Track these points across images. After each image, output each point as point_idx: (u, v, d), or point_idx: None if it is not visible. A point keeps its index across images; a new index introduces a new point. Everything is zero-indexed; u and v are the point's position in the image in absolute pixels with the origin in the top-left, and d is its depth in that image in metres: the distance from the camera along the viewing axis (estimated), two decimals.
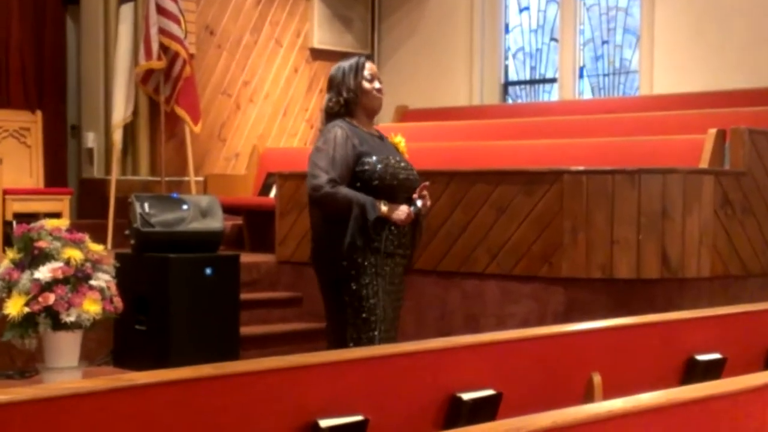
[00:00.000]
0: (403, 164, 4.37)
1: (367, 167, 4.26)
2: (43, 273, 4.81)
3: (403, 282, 4.41)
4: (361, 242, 4.18)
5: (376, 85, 4.39)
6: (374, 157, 4.27)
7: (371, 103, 4.38)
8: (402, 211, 4.25)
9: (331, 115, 4.39)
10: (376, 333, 4.22)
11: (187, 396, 2.47)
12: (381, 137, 4.45)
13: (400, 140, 4.54)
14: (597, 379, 3.35)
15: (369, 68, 4.40)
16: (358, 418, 2.75)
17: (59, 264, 4.86)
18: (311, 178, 4.27)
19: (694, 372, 3.74)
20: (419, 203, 4.31)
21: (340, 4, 10.02)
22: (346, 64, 4.43)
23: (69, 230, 5.08)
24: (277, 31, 9.65)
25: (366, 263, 4.22)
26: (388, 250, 4.26)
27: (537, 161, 6.68)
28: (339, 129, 4.31)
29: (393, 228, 4.25)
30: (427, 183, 4.35)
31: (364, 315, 4.23)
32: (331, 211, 4.25)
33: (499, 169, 6.28)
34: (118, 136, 8.17)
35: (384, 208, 4.22)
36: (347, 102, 4.35)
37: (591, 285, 5.84)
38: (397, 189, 4.29)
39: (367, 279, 4.23)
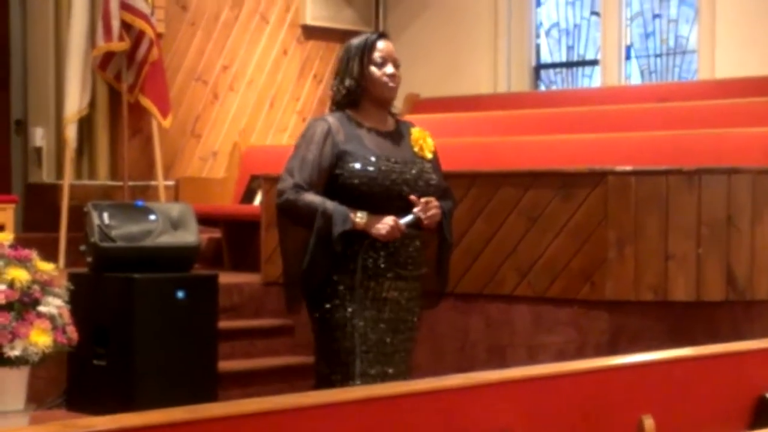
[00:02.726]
0: (407, 168, 4.29)
1: (345, 170, 4.24)
2: None
3: (410, 310, 4.36)
4: (324, 261, 4.18)
5: (388, 70, 4.32)
6: (358, 158, 4.23)
7: (380, 93, 4.34)
8: (384, 224, 4.18)
9: (335, 104, 4.40)
10: (351, 369, 4.20)
11: None
12: (394, 132, 4.41)
13: (419, 136, 4.42)
14: (649, 422, 3.35)
15: (380, 49, 4.34)
16: None
17: (1, 287, 4.87)
18: (279, 181, 4.32)
19: (767, 414, 3.73)
20: (418, 212, 4.20)
21: None
22: (355, 42, 4.40)
23: (13, 246, 5.08)
24: (262, 5, 9.67)
25: (340, 285, 4.22)
26: (369, 272, 4.24)
27: (575, 160, 6.69)
28: (322, 123, 4.32)
29: (377, 244, 4.23)
30: (431, 199, 4.27)
31: (334, 346, 4.24)
32: (296, 222, 4.29)
33: (530, 169, 6.28)
34: (71, 133, 8.18)
35: (359, 220, 4.18)
36: (349, 91, 4.35)
37: (641, 309, 5.83)
38: (382, 198, 4.21)
39: (339, 304, 4.23)
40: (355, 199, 4.21)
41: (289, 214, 4.30)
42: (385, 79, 4.33)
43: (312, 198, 4.21)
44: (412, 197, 4.23)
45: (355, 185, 4.22)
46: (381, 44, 4.36)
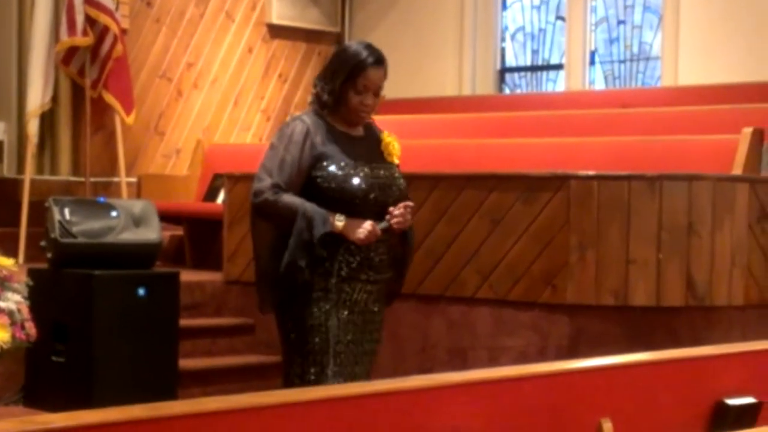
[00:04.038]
0: (380, 173, 4.31)
1: (323, 173, 4.24)
2: None
3: (377, 312, 4.40)
4: (304, 262, 4.18)
5: (365, 100, 4.27)
6: (335, 162, 4.24)
7: (348, 117, 4.33)
8: (363, 229, 4.20)
9: (318, 105, 4.36)
10: (325, 369, 4.22)
11: None
12: (365, 137, 4.40)
13: (389, 141, 4.44)
14: (608, 426, 3.36)
15: (367, 78, 4.25)
16: None
17: None
18: (255, 180, 4.30)
19: (725, 418, 3.76)
20: (394, 218, 4.23)
21: None
22: (350, 52, 4.30)
23: None
24: (227, 3, 9.64)
25: (314, 286, 4.23)
26: (343, 274, 4.25)
27: (538, 164, 6.70)
28: (300, 123, 4.30)
29: (353, 247, 4.24)
30: (410, 203, 4.30)
31: (308, 346, 4.25)
32: (273, 222, 4.29)
33: (493, 172, 6.29)
34: (33, 128, 8.13)
35: (339, 224, 4.20)
36: (325, 103, 4.33)
37: (602, 313, 5.85)
38: (360, 203, 4.24)
39: (313, 305, 4.24)
40: (331, 201, 4.22)
41: (267, 214, 4.28)
42: (359, 107, 4.30)
43: (292, 199, 4.21)
44: (390, 209, 4.25)
45: (333, 189, 4.23)
46: (370, 72, 4.26)
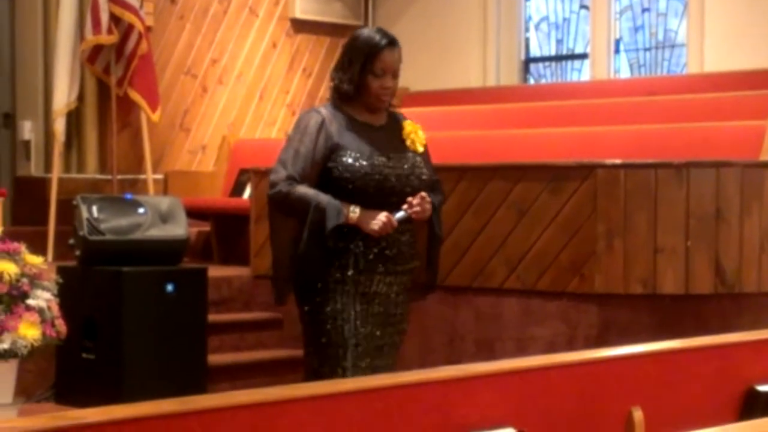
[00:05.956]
0: (399, 162, 4.27)
1: (338, 164, 4.22)
2: None
3: (401, 304, 4.38)
4: (317, 254, 4.17)
5: (385, 82, 4.27)
6: (351, 152, 4.22)
7: (371, 103, 4.31)
8: (378, 220, 4.16)
9: (338, 97, 4.36)
10: (341, 362, 4.20)
11: None
12: (387, 127, 4.37)
13: (411, 129, 4.39)
14: (638, 414, 3.35)
15: (383, 60, 4.25)
16: None
17: None
18: (272, 172, 4.31)
19: (755, 405, 3.74)
20: (411, 208, 4.18)
21: None
22: (363, 38, 4.29)
23: (2, 239, 5.08)
24: None
25: (330, 279, 4.22)
26: (360, 266, 4.24)
27: (565, 153, 6.69)
28: (315, 115, 4.30)
29: (369, 239, 4.20)
30: (424, 195, 4.23)
31: (323, 339, 4.24)
32: (288, 214, 4.28)
33: (520, 163, 6.29)
34: (60, 126, 8.17)
35: (353, 215, 4.17)
36: (346, 92, 4.32)
37: (630, 302, 5.84)
38: (376, 193, 4.21)
39: (329, 298, 4.23)
40: (347, 193, 4.21)
41: (282, 206, 4.29)
42: (379, 91, 4.28)
43: (305, 191, 4.20)
44: (409, 199, 4.21)
45: (347, 179, 4.21)
46: (386, 55, 4.26)
